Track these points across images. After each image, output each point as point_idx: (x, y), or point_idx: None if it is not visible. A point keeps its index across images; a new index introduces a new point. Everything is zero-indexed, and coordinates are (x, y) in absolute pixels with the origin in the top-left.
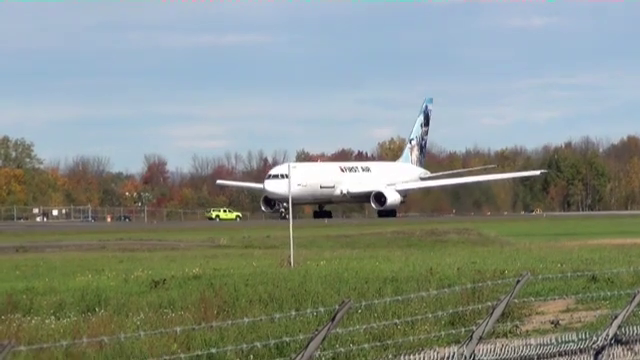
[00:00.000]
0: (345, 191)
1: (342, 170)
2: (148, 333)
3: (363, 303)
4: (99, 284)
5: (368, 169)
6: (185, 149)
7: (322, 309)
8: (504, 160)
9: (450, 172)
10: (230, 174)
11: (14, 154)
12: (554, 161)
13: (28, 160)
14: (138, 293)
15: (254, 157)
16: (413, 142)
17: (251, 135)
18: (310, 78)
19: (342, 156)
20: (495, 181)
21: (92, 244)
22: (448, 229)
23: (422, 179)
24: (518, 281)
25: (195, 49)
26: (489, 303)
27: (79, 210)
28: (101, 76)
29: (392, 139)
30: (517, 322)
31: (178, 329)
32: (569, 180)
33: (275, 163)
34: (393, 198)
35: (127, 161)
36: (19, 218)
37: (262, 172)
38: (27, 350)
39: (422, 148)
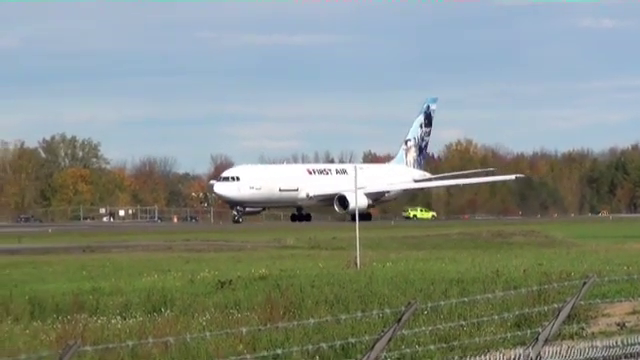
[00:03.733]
0: (311, 194)
1: (310, 173)
2: (214, 334)
3: (429, 304)
4: (165, 284)
5: (344, 171)
6: (252, 149)
7: (388, 310)
8: (571, 162)
9: (445, 175)
10: None
11: (81, 154)
12: (621, 163)
13: (95, 160)
14: (204, 294)
15: (320, 158)
16: (410, 143)
17: (318, 135)
18: (377, 78)
19: None
20: (479, 184)
21: (158, 245)
22: (514, 231)
23: (416, 181)
24: (584, 283)
25: (263, 49)
26: (555, 305)
27: (145, 210)
28: (168, 76)
29: (459, 141)
30: (583, 324)
31: (244, 330)
32: (636, 182)
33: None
34: (358, 202)
35: (194, 161)
36: (85, 218)
37: None
38: (93, 350)
39: (421, 149)
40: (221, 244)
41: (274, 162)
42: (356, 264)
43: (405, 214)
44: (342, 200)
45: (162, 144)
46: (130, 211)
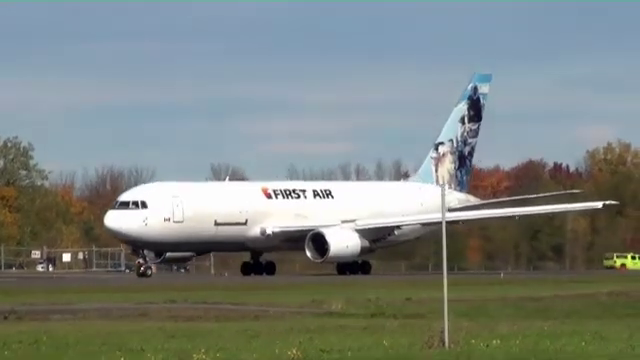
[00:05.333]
0: (270, 230)
1: (269, 195)
2: None
3: None
4: None
5: (327, 194)
6: (275, 156)
7: None
8: None
9: (501, 200)
10: None
11: (1, 163)
12: None
13: (24, 173)
14: None
15: (386, 169)
16: (443, 148)
17: (381, 134)
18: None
19: (527, 170)
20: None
21: (126, 309)
22: None
23: (451, 210)
24: None
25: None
26: None
27: (105, 254)
28: (141, 40)
29: (609, 144)
30: None
31: None
32: None
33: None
34: (343, 243)
35: (184, 175)
36: (9, 266)
37: None
38: None
39: (464, 157)
40: (226, 309)
41: (304, 177)
42: (443, 342)
43: (608, 262)
44: (318, 240)
45: (133, 148)
46: (80, 255)
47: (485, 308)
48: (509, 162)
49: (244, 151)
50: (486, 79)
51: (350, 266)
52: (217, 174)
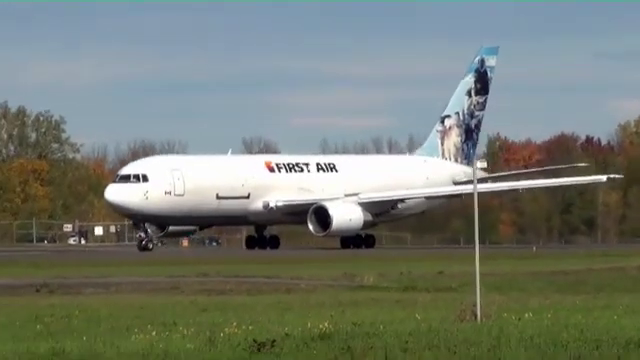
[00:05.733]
0: (273, 204)
1: (272, 169)
2: None
3: None
4: (169, 347)
5: (331, 167)
6: (308, 130)
7: None
8: None
9: (509, 173)
10: None
11: (34, 136)
12: None
13: (56, 146)
14: None
15: (419, 143)
16: (449, 121)
17: (412, 109)
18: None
19: (559, 143)
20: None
21: (157, 282)
22: None
23: (457, 183)
24: None
25: None
26: None
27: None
28: (173, 12)
29: None
30: None
31: None
32: None
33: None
34: (346, 217)
35: (216, 148)
36: (41, 239)
37: None
38: None
39: (470, 131)
40: (258, 282)
41: (336, 151)
42: (475, 315)
43: None
44: (321, 214)
45: (165, 121)
46: (112, 228)
47: (517, 282)
48: (541, 135)
49: (276, 124)
50: (493, 52)
51: (354, 239)
52: (249, 147)
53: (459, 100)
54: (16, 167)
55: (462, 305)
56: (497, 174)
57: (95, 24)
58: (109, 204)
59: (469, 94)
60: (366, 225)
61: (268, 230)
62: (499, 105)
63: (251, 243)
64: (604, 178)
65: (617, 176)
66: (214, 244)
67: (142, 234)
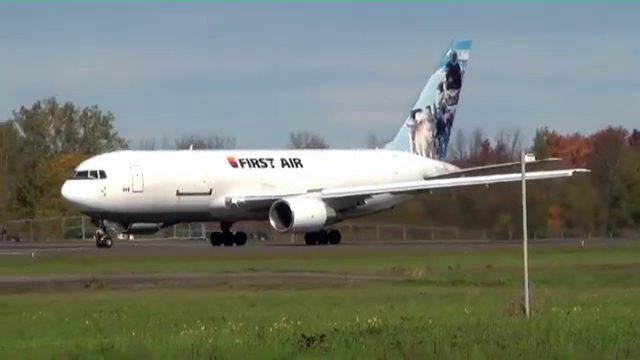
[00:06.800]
0: (235, 200)
1: (235, 164)
2: None
3: None
4: (218, 342)
5: (296, 162)
6: (356, 125)
7: None
8: None
9: (477, 168)
10: None
11: (82, 132)
12: None
13: (104, 142)
14: (281, 357)
15: (466, 140)
16: (420, 115)
17: (469, 102)
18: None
19: (607, 138)
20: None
21: (206, 277)
22: None
23: (428, 178)
24: None
25: None
26: None
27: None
28: (219, 11)
29: None
30: None
31: None
32: None
33: (501, 149)
34: (308, 213)
35: (264, 143)
36: (89, 235)
37: (481, 163)
38: None
39: (442, 125)
40: (307, 277)
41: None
42: (524, 309)
43: None
44: (282, 210)
45: (212, 116)
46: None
47: (565, 275)
48: (589, 129)
49: (324, 120)
50: (465, 46)
51: (318, 236)
52: (297, 142)
53: (430, 94)
54: (64, 163)
55: (511, 299)
56: (468, 169)
57: (143, 19)
58: (66, 201)
59: (441, 88)
60: (330, 221)
61: (236, 226)
62: (547, 99)
63: (216, 239)
64: (570, 172)
65: (585, 170)
66: (262, 239)
67: (100, 231)
